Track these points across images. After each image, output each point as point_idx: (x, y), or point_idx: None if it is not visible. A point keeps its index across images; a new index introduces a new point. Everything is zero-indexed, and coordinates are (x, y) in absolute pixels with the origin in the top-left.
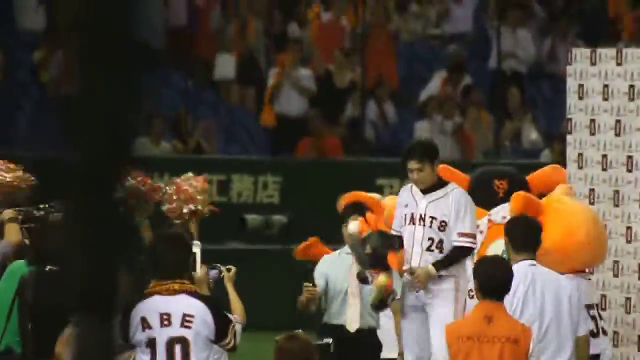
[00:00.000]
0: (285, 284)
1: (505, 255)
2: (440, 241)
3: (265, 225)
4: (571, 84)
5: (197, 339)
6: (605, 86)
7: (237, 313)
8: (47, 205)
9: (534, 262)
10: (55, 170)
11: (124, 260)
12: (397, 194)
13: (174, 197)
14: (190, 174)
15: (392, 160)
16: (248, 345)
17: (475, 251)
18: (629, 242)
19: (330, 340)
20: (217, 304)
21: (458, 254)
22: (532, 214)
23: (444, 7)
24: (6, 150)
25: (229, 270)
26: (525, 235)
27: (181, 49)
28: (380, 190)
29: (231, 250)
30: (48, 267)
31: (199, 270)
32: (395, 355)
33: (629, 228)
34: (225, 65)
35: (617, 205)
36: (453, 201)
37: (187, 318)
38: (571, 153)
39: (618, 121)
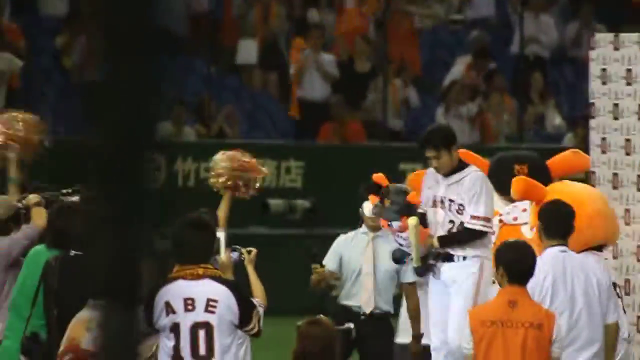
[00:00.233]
0: (309, 268)
1: None
2: (461, 224)
3: (288, 210)
4: (594, 69)
5: (221, 324)
6: (629, 71)
7: (258, 296)
8: (70, 190)
9: (565, 248)
10: (79, 155)
11: (149, 246)
12: None
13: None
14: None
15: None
16: (272, 330)
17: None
18: None
19: (352, 325)
20: (241, 289)
21: (465, 236)
22: (533, 198)
23: None
24: None
25: (249, 252)
26: (557, 220)
27: (204, 35)
28: (403, 175)
29: (254, 234)
30: (73, 253)
31: (224, 255)
32: (408, 341)
33: None
34: (248, 51)
35: None
36: (468, 184)
37: (211, 303)
38: (594, 138)
39: None
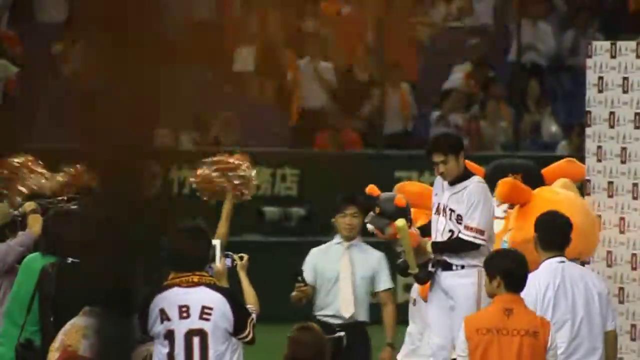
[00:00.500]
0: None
1: None
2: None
3: (283, 218)
4: (591, 77)
5: (215, 332)
6: (625, 79)
7: (250, 302)
8: (65, 197)
9: (563, 258)
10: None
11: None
12: None
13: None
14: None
15: (410, 152)
16: (265, 337)
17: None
18: None
19: (342, 334)
20: (236, 296)
21: (456, 245)
22: (518, 201)
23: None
24: (26, 144)
25: (241, 258)
26: (553, 232)
27: (201, 42)
28: (398, 183)
29: (249, 242)
30: (70, 260)
31: (219, 263)
32: None
33: None
34: (245, 58)
35: (635, 198)
36: (467, 195)
37: (206, 310)
38: (590, 146)
39: (637, 114)
